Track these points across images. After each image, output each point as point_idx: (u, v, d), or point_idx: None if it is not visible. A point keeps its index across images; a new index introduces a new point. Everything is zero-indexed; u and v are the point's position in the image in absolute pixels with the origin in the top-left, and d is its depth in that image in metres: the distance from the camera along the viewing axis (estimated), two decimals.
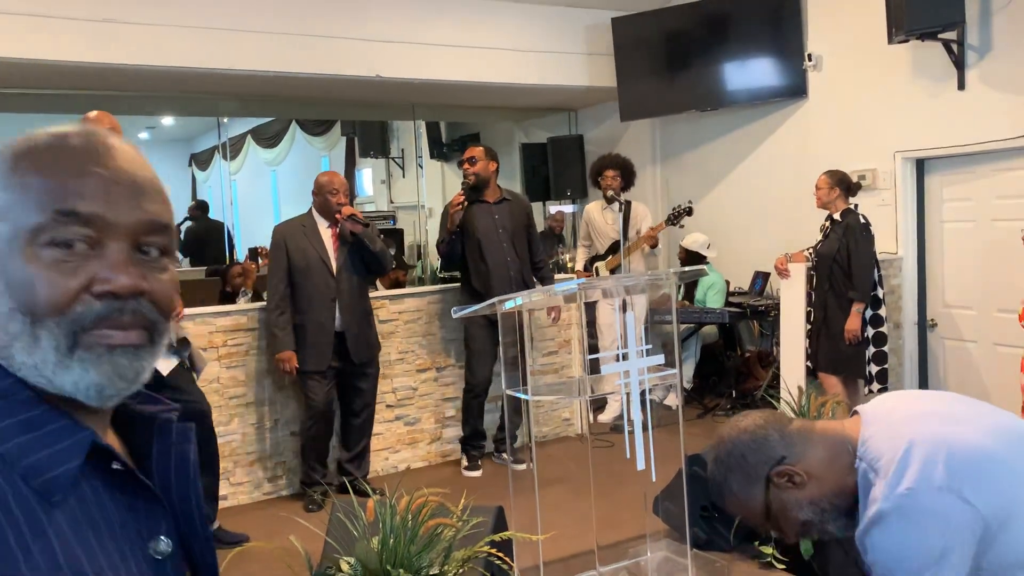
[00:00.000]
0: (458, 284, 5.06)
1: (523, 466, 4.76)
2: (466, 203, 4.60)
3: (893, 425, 1.52)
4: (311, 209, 4.39)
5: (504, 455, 4.90)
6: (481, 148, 4.81)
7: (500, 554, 2.61)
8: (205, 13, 5.66)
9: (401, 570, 2.46)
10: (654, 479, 3.05)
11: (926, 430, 1.49)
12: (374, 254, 4.28)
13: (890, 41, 5.29)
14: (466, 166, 4.73)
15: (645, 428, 2.98)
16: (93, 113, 3.46)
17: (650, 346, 3.00)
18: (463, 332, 4.86)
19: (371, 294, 4.60)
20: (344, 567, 2.49)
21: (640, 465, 2.98)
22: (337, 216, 4.22)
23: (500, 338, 3.26)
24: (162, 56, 5.60)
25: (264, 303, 4.54)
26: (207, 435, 3.73)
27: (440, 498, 2.60)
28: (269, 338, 4.34)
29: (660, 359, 3.04)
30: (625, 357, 2.98)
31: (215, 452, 3.78)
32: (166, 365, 3.59)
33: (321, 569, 2.61)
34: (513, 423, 4.90)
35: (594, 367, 5.88)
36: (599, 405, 6.03)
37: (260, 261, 4.79)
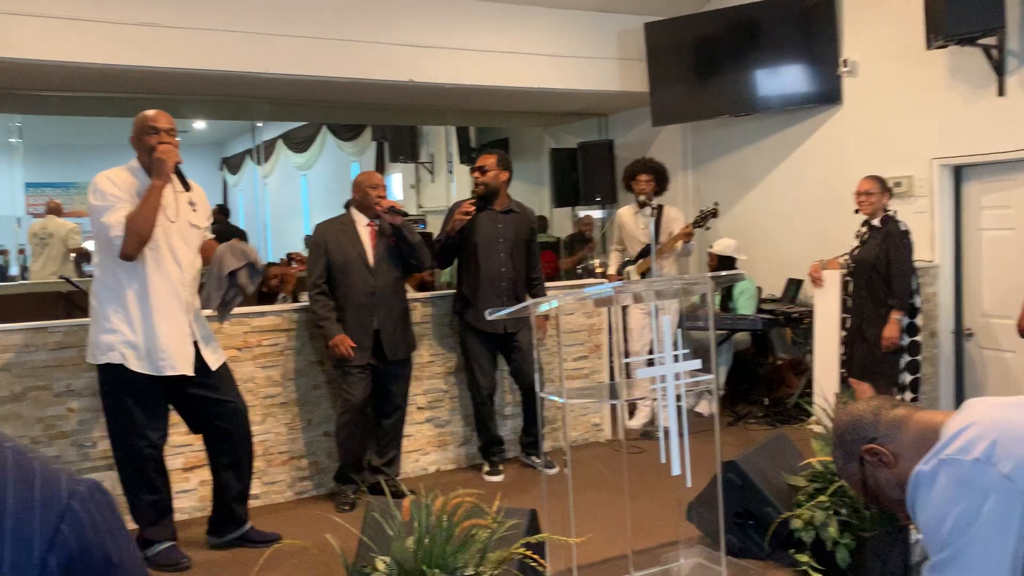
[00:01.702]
0: None
1: (554, 470, 4.73)
2: (474, 212, 4.59)
3: (971, 411, 1.58)
4: (350, 208, 4.43)
5: (534, 458, 4.89)
6: (494, 157, 4.75)
7: (535, 556, 2.60)
8: (240, 17, 5.73)
9: (437, 570, 2.46)
10: (689, 484, 3.03)
11: (990, 415, 1.55)
12: (412, 246, 4.31)
13: (928, 46, 5.23)
14: (476, 174, 4.72)
15: (680, 434, 2.96)
16: (151, 112, 3.52)
17: (686, 351, 2.98)
18: (459, 338, 4.83)
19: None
20: (380, 566, 2.50)
21: (675, 471, 2.96)
22: (376, 208, 4.25)
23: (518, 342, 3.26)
24: (197, 60, 5.67)
25: (300, 304, 4.58)
26: (244, 436, 3.76)
27: (475, 499, 2.60)
28: (317, 329, 4.36)
29: (696, 364, 3.02)
30: (660, 362, 2.97)
31: (251, 453, 3.81)
32: (215, 359, 3.64)
33: (356, 568, 2.62)
34: (532, 427, 4.88)
35: (627, 372, 5.86)
36: (629, 411, 6.00)
37: (295, 265, 4.83)
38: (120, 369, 3.38)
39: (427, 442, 4.91)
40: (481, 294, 4.60)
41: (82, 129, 11.52)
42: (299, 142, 14.43)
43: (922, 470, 1.53)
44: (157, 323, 3.40)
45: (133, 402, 3.43)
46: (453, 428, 5.00)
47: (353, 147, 13.21)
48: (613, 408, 5.68)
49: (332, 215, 4.57)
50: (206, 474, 4.19)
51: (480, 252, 4.63)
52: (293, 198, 15.91)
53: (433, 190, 11.81)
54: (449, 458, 4.99)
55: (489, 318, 3.13)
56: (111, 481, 4.01)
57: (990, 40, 5.09)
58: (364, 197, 4.32)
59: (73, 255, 8.30)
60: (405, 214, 4.31)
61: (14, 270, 11.57)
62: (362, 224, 4.34)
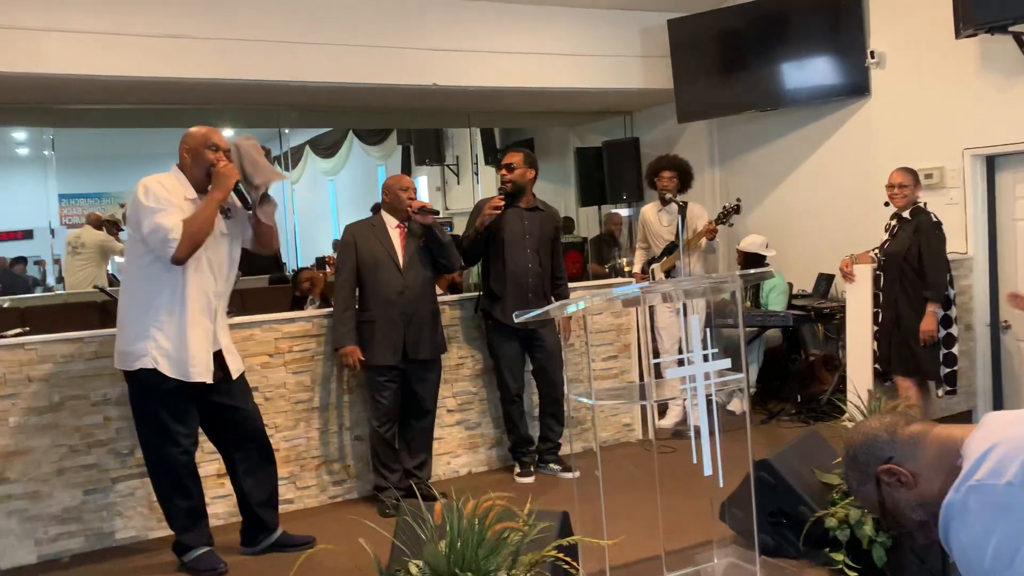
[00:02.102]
0: None
1: (571, 474, 4.65)
2: (503, 208, 4.59)
3: (992, 428, 1.52)
4: (380, 211, 4.47)
5: (552, 465, 4.85)
6: (520, 154, 4.75)
7: (568, 559, 2.60)
8: (267, 27, 5.78)
9: (470, 573, 2.46)
10: (722, 484, 3.02)
11: (1015, 432, 1.47)
12: (443, 246, 4.33)
13: (958, 35, 5.15)
14: (503, 172, 4.72)
15: (712, 433, 2.95)
16: (206, 129, 3.60)
17: (716, 350, 2.96)
18: (487, 338, 4.84)
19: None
20: (413, 570, 2.51)
21: (707, 471, 2.94)
22: (408, 208, 4.28)
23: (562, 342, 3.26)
24: (226, 69, 5.74)
25: (329, 309, 4.61)
26: (267, 449, 3.81)
27: (506, 502, 2.60)
28: (332, 334, 4.40)
29: (726, 363, 3.00)
30: (690, 361, 2.96)
31: (271, 458, 3.85)
32: (236, 368, 3.69)
33: (390, 571, 2.63)
34: (555, 431, 4.86)
35: (657, 371, 5.84)
36: (659, 410, 5.98)
37: (328, 269, 4.85)
38: (153, 375, 3.42)
39: (458, 444, 4.92)
40: (508, 292, 4.60)
41: (112, 141, 11.68)
42: (326, 148, 14.53)
43: (952, 499, 1.45)
44: (188, 330, 3.46)
45: (164, 409, 3.48)
46: (484, 430, 5.01)
47: (379, 151, 13.28)
48: (644, 408, 5.66)
49: (360, 219, 4.60)
50: None
51: (507, 249, 4.63)
52: (321, 203, 16.03)
53: (459, 192, 11.84)
54: (480, 460, 4.99)
55: (517, 321, 3.13)
56: (148, 488, 4.08)
57: (1021, 27, 5.01)
58: (394, 199, 4.35)
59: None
60: (436, 212, 4.33)
61: (51, 280, 11.78)
62: (392, 226, 4.37)
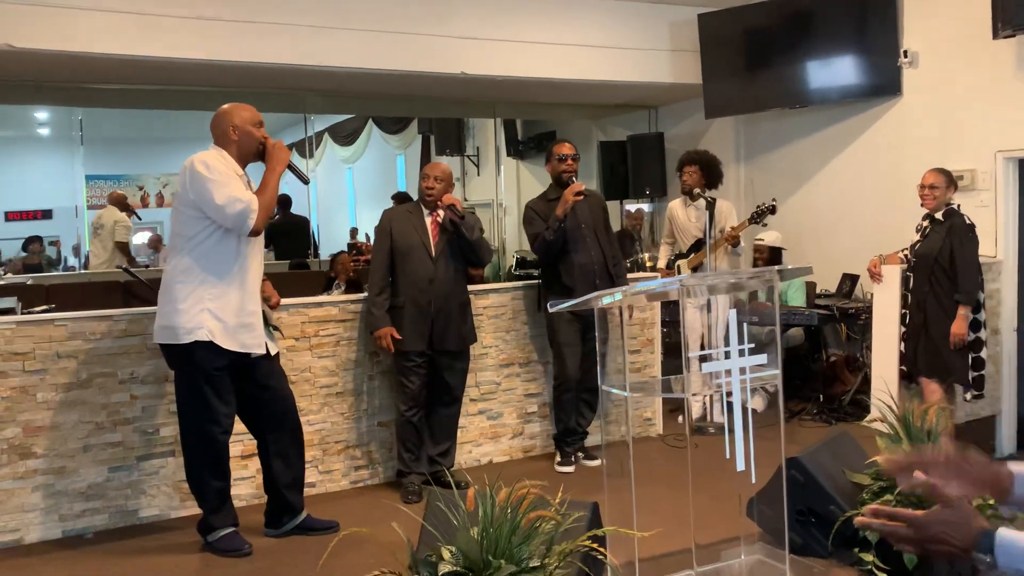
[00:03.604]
0: (534, 280, 5.06)
1: (594, 463, 4.76)
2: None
3: None
4: (403, 199, 4.47)
5: (578, 452, 4.87)
6: (573, 146, 4.85)
7: (601, 548, 2.59)
8: (297, 11, 5.77)
9: (503, 560, 2.46)
10: (754, 480, 3.00)
11: None
12: (471, 243, 4.32)
13: (995, 36, 5.10)
14: (570, 163, 4.73)
15: (745, 429, 2.93)
16: (249, 107, 3.66)
17: (752, 345, 2.94)
18: (547, 328, 4.85)
19: None
20: (446, 555, 2.50)
21: (740, 466, 2.93)
22: (439, 204, 4.27)
23: (596, 334, 3.25)
24: (256, 53, 5.73)
25: (357, 295, 4.62)
26: (294, 424, 3.83)
27: (539, 491, 2.59)
28: (367, 318, 4.40)
29: (762, 359, 2.98)
30: (716, 357, 2.94)
31: (301, 441, 3.87)
32: (273, 346, 3.78)
33: (420, 557, 2.63)
34: (586, 417, 4.87)
35: (678, 368, 5.81)
36: (678, 406, 5.95)
37: (362, 255, 4.85)
38: (207, 348, 3.44)
39: (480, 434, 4.92)
40: (578, 281, 4.60)
41: (139, 122, 11.71)
42: (345, 135, 14.53)
43: None
44: (249, 302, 3.53)
45: (210, 386, 3.50)
46: (506, 420, 5.00)
47: (399, 140, 13.27)
48: (664, 403, 5.65)
49: (377, 209, 4.64)
50: None
51: (570, 241, 4.64)
52: (339, 191, 16.04)
53: (479, 184, 11.82)
54: (502, 450, 4.99)
55: (551, 310, 3.12)
56: (172, 467, 4.10)
57: None
58: (421, 189, 4.35)
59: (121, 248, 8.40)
60: (462, 216, 4.30)
61: (71, 260, 11.85)
62: (427, 213, 4.39)
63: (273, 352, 3.76)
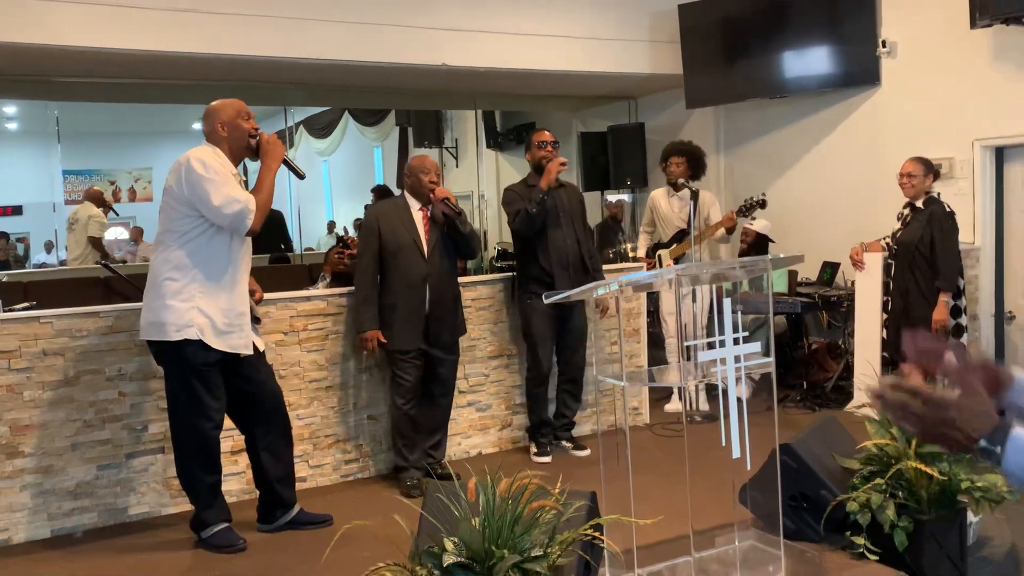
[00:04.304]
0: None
1: (585, 452, 4.81)
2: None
3: None
4: (403, 192, 4.44)
5: (565, 442, 4.90)
6: (551, 135, 4.87)
7: (602, 537, 2.61)
8: (276, 3, 5.73)
9: (505, 551, 2.47)
10: (748, 467, 3.03)
11: None
12: (464, 236, 4.31)
13: (973, 25, 5.18)
14: (550, 149, 4.74)
15: (741, 416, 2.96)
16: (238, 101, 3.62)
17: (747, 333, 2.97)
18: (521, 319, 4.86)
19: None
20: (449, 546, 2.51)
21: (735, 453, 2.96)
22: (431, 197, 4.25)
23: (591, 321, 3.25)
24: (234, 46, 5.68)
25: (345, 288, 4.59)
26: (281, 418, 3.81)
27: (540, 481, 2.61)
28: (354, 317, 4.37)
29: (756, 347, 3.01)
30: (720, 345, 2.96)
31: (289, 435, 3.87)
32: (261, 342, 3.76)
33: (423, 548, 2.63)
34: (571, 409, 4.91)
35: (662, 358, 5.84)
36: (665, 394, 6.00)
37: (348, 249, 4.82)
38: (195, 346, 3.41)
39: (469, 425, 4.93)
40: (556, 271, 4.61)
41: (115, 116, 11.59)
42: (320, 128, 14.41)
43: None
44: (238, 301, 3.51)
45: (200, 382, 3.47)
46: (495, 412, 5.01)
47: (376, 132, 13.18)
48: (650, 392, 5.69)
49: (354, 202, 4.59)
50: None
51: (548, 232, 4.64)
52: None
53: (458, 175, 11.79)
54: (491, 441, 5.00)
55: (546, 302, 3.13)
56: (161, 463, 4.07)
57: None
58: (416, 183, 4.31)
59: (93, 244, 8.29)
60: (459, 211, 4.29)
61: (41, 257, 11.68)
62: (416, 208, 4.33)
63: (261, 348, 3.74)
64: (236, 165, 3.58)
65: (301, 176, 3.78)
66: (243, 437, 4.10)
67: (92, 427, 3.96)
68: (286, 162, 3.62)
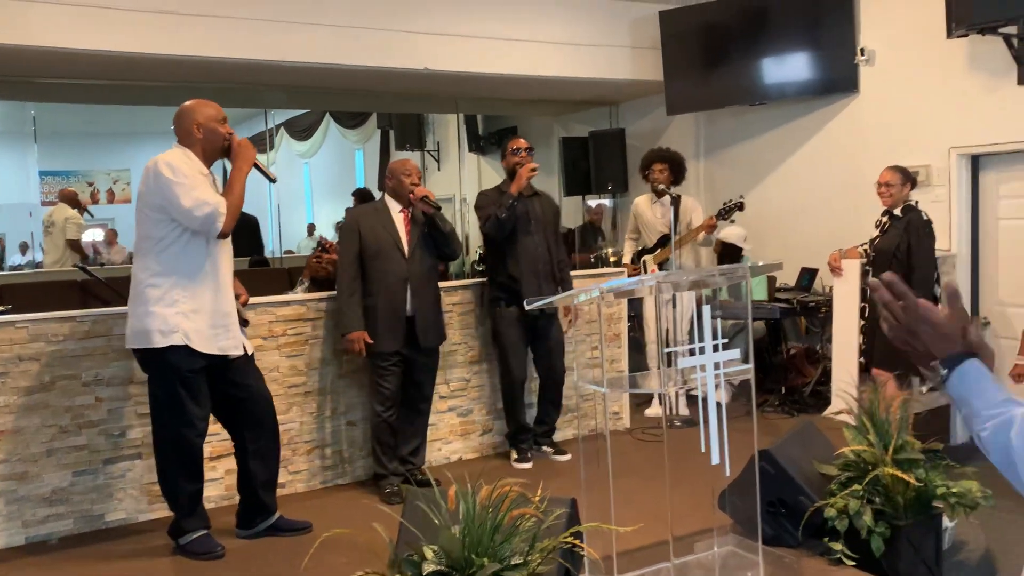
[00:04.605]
0: None
1: (566, 457, 4.81)
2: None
3: None
4: (384, 195, 4.43)
5: (546, 448, 4.91)
6: (526, 142, 4.87)
7: (582, 544, 2.62)
8: (258, 5, 5.70)
9: (486, 559, 2.47)
10: (728, 473, 3.05)
11: None
12: (445, 235, 4.31)
13: (949, 35, 5.24)
14: (524, 155, 4.73)
15: (720, 422, 2.98)
16: (212, 103, 3.60)
17: (727, 339, 2.99)
18: (491, 326, 4.85)
19: None
20: (429, 554, 2.50)
21: (715, 459, 2.97)
22: (410, 196, 4.25)
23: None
24: (215, 48, 5.64)
25: (324, 293, 4.58)
26: (272, 423, 3.79)
27: (521, 488, 2.61)
28: (337, 319, 4.35)
29: (736, 354, 3.03)
30: (700, 352, 2.98)
31: (278, 440, 3.84)
32: (249, 345, 3.75)
33: (402, 556, 2.62)
34: (552, 415, 4.92)
35: (643, 363, 5.86)
36: (645, 399, 6.02)
37: (326, 253, 4.79)
38: (183, 352, 3.38)
39: (449, 431, 4.92)
40: (525, 278, 4.61)
41: (93, 117, 11.49)
42: (301, 130, 14.34)
43: None
44: (223, 303, 3.50)
45: (185, 389, 3.45)
46: (476, 417, 5.01)
47: (357, 135, 13.14)
48: (630, 397, 5.71)
49: (335, 204, 4.58)
50: (231, 463, 4.19)
51: (519, 235, 4.64)
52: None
53: (439, 179, 11.79)
54: (472, 447, 5.00)
55: (528, 308, 3.13)
56: (139, 469, 4.03)
57: (1011, 29, 5.09)
58: (397, 184, 4.31)
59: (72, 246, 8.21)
60: (438, 207, 4.29)
61: (16, 258, 11.55)
62: (396, 211, 4.32)
63: (250, 351, 3.73)
64: (208, 166, 3.55)
65: (272, 180, 3.78)
66: (223, 443, 4.08)
67: (68, 433, 3.92)
68: (257, 166, 3.59)
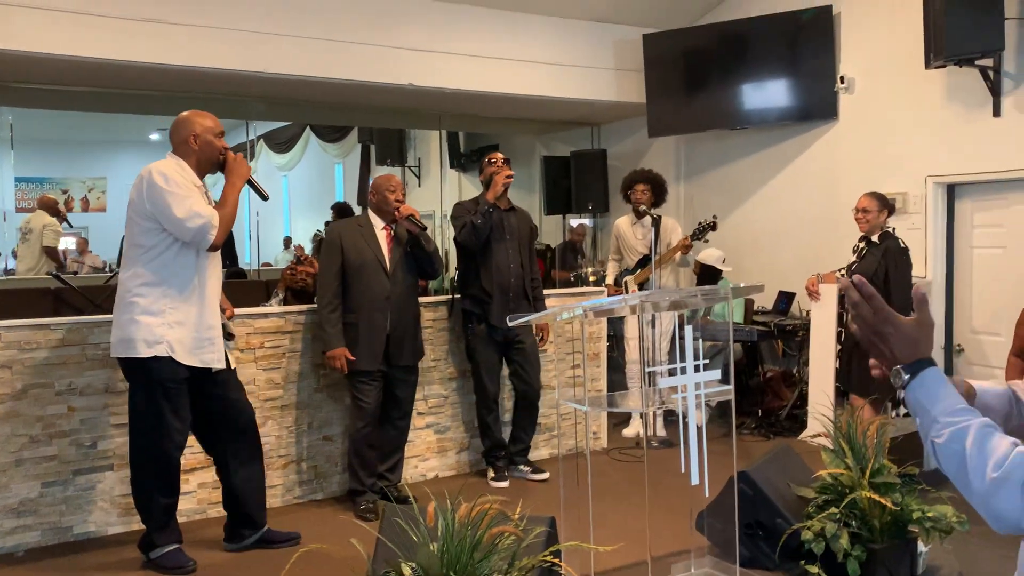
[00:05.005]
0: None
1: (544, 476, 4.80)
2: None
3: None
4: (367, 210, 4.41)
5: (522, 467, 4.88)
6: (502, 156, 4.86)
7: (562, 563, 2.60)
8: (242, 16, 5.69)
9: None
10: (707, 494, 3.05)
11: None
12: (428, 255, 4.29)
13: (927, 66, 5.33)
14: (499, 164, 4.69)
15: (700, 443, 2.98)
16: (209, 115, 3.59)
17: (707, 361, 3.00)
18: (464, 343, 4.82)
19: None
20: (406, 571, 2.48)
21: (694, 480, 2.97)
22: (396, 214, 4.23)
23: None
24: (198, 57, 5.62)
25: (303, 306, 4.54)
26: (257, 443, 3.76)
27: (500, 506, 2.59)
28: (318, 335, 4.32)
29: (716, 375, 3.04)
30: (681, 372, 2.99)
31: (262, 454, 3.80)
32: (234, 359, 3.74)
33: (379, 573, 2.60)
34: (527, 434, 4.89)
35: (622, 384, 5.86)
36: (622, 420, 6.03)
37: (300, 265, 4.75)
38: (166, 363, 3.34)
39: (427, 448, 4.89)
40: (496, 295, 4.60)
41: (71, 124, 11.40)
42: (282, 142, 14.29)
43: None
44: (209, 315, 3.46)
45: (167, 401, 3.40)
46: (453, 434, 4.98)
47: (337, 149, 13.11)
48: (608, 417, 5.71)
49: (313, 218, 4.56)
50: (205, 476, 4.15)
51: (492, 251, 4.62)
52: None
53: (420, 194, 11.78)
54: (449, 464, 4.96)
55: (510, 324, 3.13)
56: (110, 481, 3.96)
57: (987, 61, 5.20)
58: (381, 201, 4.29)
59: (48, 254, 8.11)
60: (423, 227, 4.27)
61: None
62: (379, 227, 4.30)
63: (233, 365, 3.69)
64: (202, 178, 3.53)
65: (265, 197, 3.71)
66: (196, 456, 4.03)
67: (38, 442, 3.84)
68: (251, 182, 3.57)
